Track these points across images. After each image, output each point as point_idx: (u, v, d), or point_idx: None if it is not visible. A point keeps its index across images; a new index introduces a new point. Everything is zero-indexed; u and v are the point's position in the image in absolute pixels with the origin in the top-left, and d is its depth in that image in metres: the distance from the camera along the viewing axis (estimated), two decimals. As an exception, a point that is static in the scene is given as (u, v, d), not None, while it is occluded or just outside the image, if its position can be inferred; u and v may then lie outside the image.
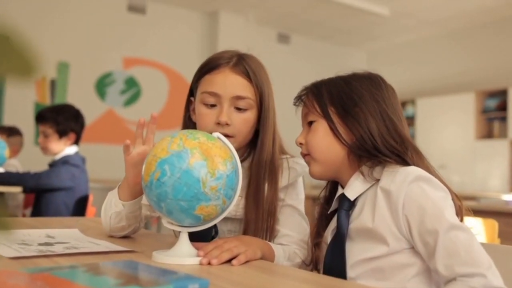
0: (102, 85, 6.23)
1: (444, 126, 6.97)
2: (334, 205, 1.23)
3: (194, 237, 1.29)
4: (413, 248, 1.06)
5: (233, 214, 1.32)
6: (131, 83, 6.43)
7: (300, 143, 1.24)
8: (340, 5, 6.33)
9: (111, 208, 1.28)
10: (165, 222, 1.06)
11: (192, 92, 1.41)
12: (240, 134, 1.31)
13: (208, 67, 1.34)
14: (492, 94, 6.79)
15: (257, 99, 1.34)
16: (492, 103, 6.75)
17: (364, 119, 1.15)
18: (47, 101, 5.74)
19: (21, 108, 5.56)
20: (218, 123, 1.29)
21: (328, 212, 1.25)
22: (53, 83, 5.85)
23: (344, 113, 1.18)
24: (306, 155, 1.23)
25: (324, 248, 1.21)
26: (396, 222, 1.05)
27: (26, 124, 4.95)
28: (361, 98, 1.18)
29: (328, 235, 1.20)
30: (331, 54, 7.90)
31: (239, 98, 1.30)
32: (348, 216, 1.15)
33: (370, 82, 1.21)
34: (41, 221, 1.57)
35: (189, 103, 1.42)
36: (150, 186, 0.98)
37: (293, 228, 1.33)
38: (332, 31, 7.45)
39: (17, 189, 2.72)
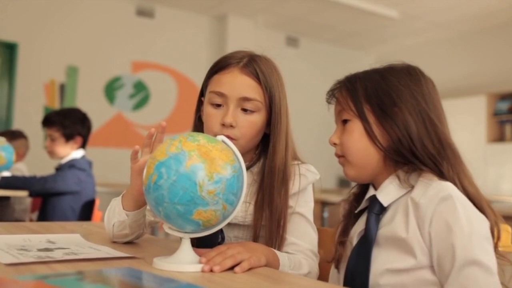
0: (111, 89, 6.23)
1: (454, 129, 6.88)
2: (363, 204, 1.17)
3: (200, 243, 1.26)
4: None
5: (241, 220, 1.29)
6: (140, 87, 6.43)
7: (334, 143, 1.17)
8: (349, 8, 6.30)
9: (114, 217, 1.25)
10: (166, 228, 1.03)
11: (202, 92, 1.38)
12: (244, 137, 1.27)
13: (218, 67, 1.31)
14: (503, 97, 6.71)
15: (266, 101, 1.29)
16: (504, 105, 6.67)
17: (403, 120, 1.07)
18: (56, 105, 5.74)
19: (30, 112, 5.56)
20: (223, 124, 1.26)
21: (356, 211, 1.19)
22: (62, 87, 5.86)
23: (381, 113, 1.10)
24: (340, 157, 1.16)
25: (349, 248, 1.16)
26: (423, 236, 1.00)
27: (36, 128, 4.95)
28: (399, 96, 1.09)
29: (355, 236, 1.15)
30: (340, 57, 7.85)
31: (246, 99, 1.26)
32: (378, 220, 1.09)
33: (409, 77, 1.12)
34: (43, 225, 1.55)
35: (200, 104, 1.39)
36: (149, 190, 0.95)
37: (300, 236, 1.29)
38: (341, 34, 7.40)
39: (23, 193, 2.71)
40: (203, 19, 6.86)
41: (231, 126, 1.25)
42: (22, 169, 3.50)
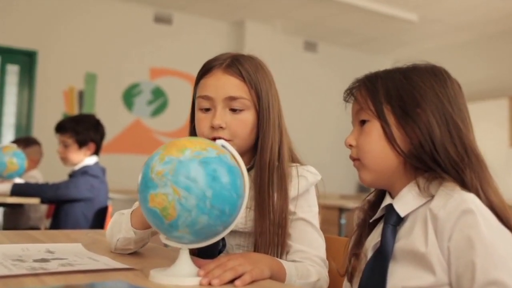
0: (129, 96, 6.24)
1: (477, 133, 6.75)
2: (379, 213, 1.09)
3: (201, 252, 1.22)
4: None
5: (241, 227, 1.24)
6: (158, 93, 6.43)
7: (350, 145, 1.09)
8: (367, 12, 6.22)
9: (119, 233, 1.20)
10: (163, 239, 0.98)
11: (194, 101, 1.35)
12: (238, 137, 1.24)
13: (202, 71, 1.29)
14: (527, 100, 6.56)
15: (254, 98, 1.26)
16: (528, 109, 6.52)
17: (426, 122, 0.99)
18: (75, 112, 5.77)
19: (50, 119, 5.56)
20: (212, 127, 1.23)
21: (371, 220, 1.11)
22: (81, 94, 5.89)
23: (403, 115, 1.02)
24: (355, 160, 1.09)
25: (363, 260, 1.08)
26: (442, 251, 0.93)
27: (55, 135, 4.97)
28: (423, 96, 1.01)
29: (369, 248, 1.06)
30: (359, 61, 7.76)
31: (232, 98, 1.23)
32: (395, 233, 1.01)
33: (433, 77, 1.04)
34: (46, 234, 1.52)
35: (194, 112, 1.36)
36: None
37: (306, 243, 1.23)
38: (359, 38, 7.32)
39: (35, 200, 2.70)
40: (221, 24, 6.85)
41: (221, 127, 1.22)
42: (37, 176, 3.50)
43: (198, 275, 0.93)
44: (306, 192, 1.29)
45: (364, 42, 7.48)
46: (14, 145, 3.03)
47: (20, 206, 3.06)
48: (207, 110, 1.25)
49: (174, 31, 6.47)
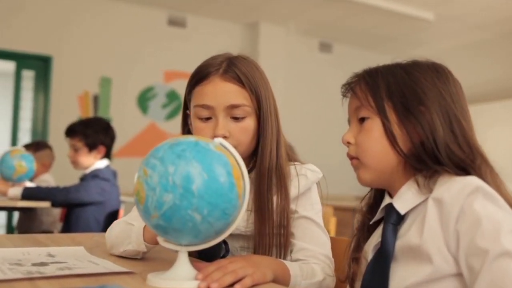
0: (144, 99, 6.25)
1: (494, 134, 6.64)
2: (378, 215, 1.05)
3: (203, 257, 1.19)
4: (461, 275, 0.87)
5: (243, 230, 1.21)
6: (172, 96, 6.43)
7: (348, 142, 1.05)
8: (383, 12, 6.14)
9: (129, 244, 1.17)
10: (161, 241, 0.95)
11: (186, 105, 1.31)
12: (241, 144, 1.20)
13: (197, 78, 1.24)
14: (548, 99, 6.42)
15: (254, 104, 1.23)
16: (549, 108, 6.38)
17: (430, 121, 0.95)
18: (90, 116, 5.79)
19: (65, 124, 5.56)
20: (216, 137, 1.19)
21: (371, 223, 1.07)
22: (96, 98, 5.91)
23: (404, 112, 0.98)
24: (353, 158, 1.04)
25: (363, 264, 1.04)
26: (446, 237, 0.88)
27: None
28: (426, 94, 0.97)
29: (369, 251, 1.03)
30: (374, 62, 7.50)
31: (233, 106, 1.20)
32: (396, 232, 0.97)
33: (435, 74, 1.00)
34: (52, 237, 1.50)
35: (185, 117, 1.33)
36: None
37: (310, 241, 1.20)
38: (375, 38, 7.25)
39: (46, 204, 2.69)
40: (235, 27, 6.83)
41: (225, 137, 1.18)
42: (49, 180, 3.51)
43: (196, 278, 0.90)
44: (308, 190, 1.27)
45: (379, 42, 7.40)
46: (22, 148, 3.04)
47: (32, 210, 3.06)
48: (207, 119, 1.22)
49: (188, 34, 6.46)
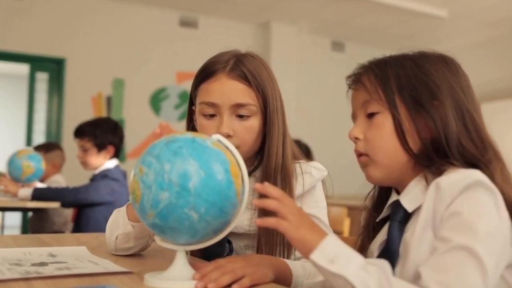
0: (156, 100, 6.26)
1: (510, 131, 6.54)
2: (385, 212, 1.01)
3: (207, 255, 1.17)
4: None
5: (247, 229, 1.19)
6: (185, 97, 6.43)
7: (356, 138, 1.00)
8: (396, 9, 6.09)
9: (118, 229, 1.17)
10: (158, 240, 0.94)
11: (192, 101, 1.30)
12: (245, 144, 1.19)
13: (204, 74, 1.23)
14: None
15: (260, 103, 1.21)
16: None
17: (444, 116, 0.91)
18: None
19: (79, 125, 5.66)
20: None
21: (377, 220, 1.03)
22: (109, 100, 5.94)
23: (415, 106, 0.92)
24: (362, 155, 0.99)
25: None
26: (435, 224, 0.85)
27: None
28: (439, 87, 0.92)
29: (375, 250, 0.99)
30: (389, 60, 7.62)
31: (239, 105, 1.19)
32: (402, 230, 0.92)
33: (446, 66, 0.96)
34: (57, 237, 1.49)
35: (191, 113, 1.32)
36: None
37: None
38: (388, 37, 7.18)
39: (55, 204, 2.70)
40: (246, 27, 6.82)
41: (229, 135, 1.17)
42: (60, 181, 3.52)
43: (193, 278, 0.88)
44: (312, 188, 1.25)
45: (393, 40, 7.34)
46: (30, 148, 3.06)
47: (44, 211, 3.08)
48: (212, 116, 1.21)
49: (199, 35, 6.47)
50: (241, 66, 1.20)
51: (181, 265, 0.92)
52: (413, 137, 0.93)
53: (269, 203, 0.83)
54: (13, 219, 5.97)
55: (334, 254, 0.80)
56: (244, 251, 1.23)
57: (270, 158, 1.21)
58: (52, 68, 5.72)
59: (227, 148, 0.93)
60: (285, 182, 1.19)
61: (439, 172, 0.90)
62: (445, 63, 0.97)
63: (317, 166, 1.26)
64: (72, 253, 1.19)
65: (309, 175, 1.23)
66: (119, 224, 1.17)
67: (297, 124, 5.72)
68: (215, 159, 0.87)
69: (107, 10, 5.93)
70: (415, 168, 0.95)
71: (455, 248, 0.79)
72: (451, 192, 0.84)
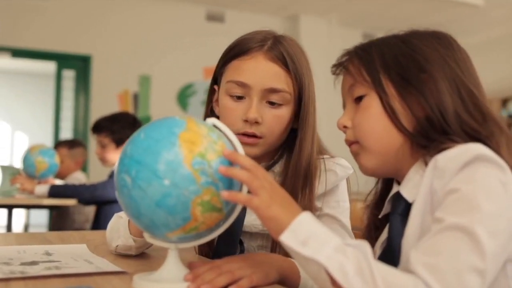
0: (183, 96, 6.23)
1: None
2: (386, 208, 0.92)
3: (218, 256, 1.08)
4: None
5: (260, 228, 1.10)
6: (212, 93, 6.38)
7: (345, 127, 0.92)
8: (427, -2, 5.89)
9: (118, 239, 1.08)
10: (147, 237, 0.86)
11: (216, 80, 1.20)
12: (272, 134, 1.08)
13: (236, 50, 1.12)
14: None
15: (295, 92, 1.10)
16: None
17: (434, 89, 0.83)
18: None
19: (106, 122, 5.66)
20: (246, 120, 1.07)
21: (380, 216, 0.94)
22: (135, 97, 5.93)
23: (403, 83, 0.85)
24: (353, 143, 0.91)
25: None
26: (432, 209, 0.76)
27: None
28: (428, 59, 0.85)
29: (378, 249, 0.90)
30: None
31: (273, 90, 1.07)
32: (404, 223, 0.82)
33: (437, 40, 0.89)
34: (61, 235, 1.44)
35: (212, 93, 1.21)
36: None
37: None
38: (420, 27, 6.97)
39: (72, 202, 2.66)
40: (275, 20, 6.71)
41: (256, 122, 1.06)
42: (81, 178, 3.48)
43: (185, 279, 0.80)
44: (335, 187, 1.14)
45: (425, 31, 7.13)
46: (42, 144, 3.02)
47: (64, 208, 3.04)
48: (239, 98, 1.10)
49: (226, 29, 6.39)
50: (280, 47, 1.10)
51: (172, 265, 0.83)
52: (406, 116, 0.84)
53: (239, 173, 0.74)
54: (40, 218, 6.03)
55: (307, 235, 0.70)
56: (256, 252, 1.14)
57: (301, 155, 1.09)
58: (78, 65, 5.74)
59: (222, 131, 0.83)
60: (306, 181, 1.09)
61: (439, 152, 0.79)
62: (436, 38, 0.90)
63: (342, 163, 1.14)
64: (70, 252, 1.12)
65: (333, 173, 1.12)
66: (120, 234, 1.09)
67: (326, 120, 5.60)
68: (164, 124, 0.79)
69: (133, 6, 5.91)
70: (413, 153, 0.85)
71: (449, 228, 0.68)
72: (450, 170, 0.74)
